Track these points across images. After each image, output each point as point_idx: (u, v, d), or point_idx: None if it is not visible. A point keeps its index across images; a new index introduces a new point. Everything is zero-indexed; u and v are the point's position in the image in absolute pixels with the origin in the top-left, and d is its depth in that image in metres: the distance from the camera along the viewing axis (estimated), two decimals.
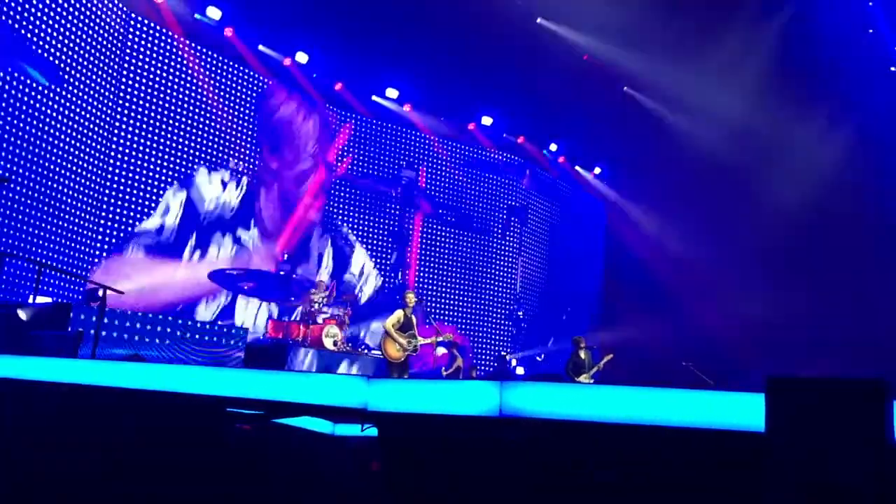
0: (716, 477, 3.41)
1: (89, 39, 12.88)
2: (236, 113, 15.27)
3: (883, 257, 16.15)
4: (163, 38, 14.19)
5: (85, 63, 12.79)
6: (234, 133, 15.20)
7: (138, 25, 13.89)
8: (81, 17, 12.73)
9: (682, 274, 18.07)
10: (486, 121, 18.62)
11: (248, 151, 15.42)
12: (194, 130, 14.57)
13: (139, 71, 13.83)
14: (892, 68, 15.61)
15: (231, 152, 15.12)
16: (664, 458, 3.50)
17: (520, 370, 17.21)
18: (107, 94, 13.24)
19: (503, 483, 3.59)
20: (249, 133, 15.47)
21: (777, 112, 16.50)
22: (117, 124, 13.45)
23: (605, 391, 3.72)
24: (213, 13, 14.54)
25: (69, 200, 12.50)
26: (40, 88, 11.97)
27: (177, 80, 14.37)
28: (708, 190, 18.46)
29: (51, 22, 12.21)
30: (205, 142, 14.74)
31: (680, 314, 17.62)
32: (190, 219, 14.40)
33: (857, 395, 2.99)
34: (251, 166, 15.44)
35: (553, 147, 20.16)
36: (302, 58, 15.85)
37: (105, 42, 13.21)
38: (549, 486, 3.54)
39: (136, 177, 13.68)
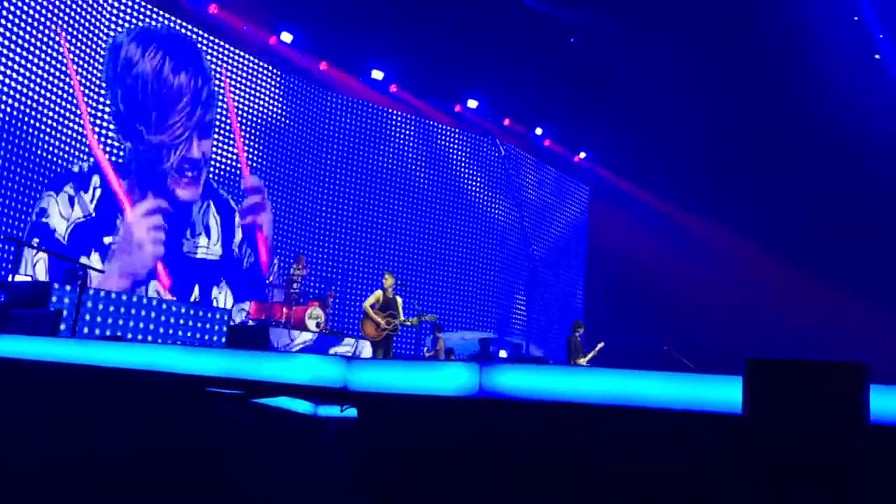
0: (700, 458, 3.42)
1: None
2: None
3: (872, 246, 16.30)
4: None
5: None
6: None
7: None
8: None
9: (666, 261, 18.16)
10: (472, 104, 18.53)
11: None
12: None
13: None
14: (877, 56, 15.65)
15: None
16: (646, 439, 3.51)
17: (503, 353, 17.26)
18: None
19: (481, 461, 3.61)
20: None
21: (762, 99, 16.55)
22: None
23: (583, 374, 3.73)
24: None
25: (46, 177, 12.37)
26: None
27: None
28: (695, 176, 18.54)
29: None
30: None
31: (664, 300, 17.72)
32: None
33: (835, 377, 3.01)
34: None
35: (538, 130, 20.11)
36: (287, 37, 15.72)
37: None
38: (529, 465, 3.55)
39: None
